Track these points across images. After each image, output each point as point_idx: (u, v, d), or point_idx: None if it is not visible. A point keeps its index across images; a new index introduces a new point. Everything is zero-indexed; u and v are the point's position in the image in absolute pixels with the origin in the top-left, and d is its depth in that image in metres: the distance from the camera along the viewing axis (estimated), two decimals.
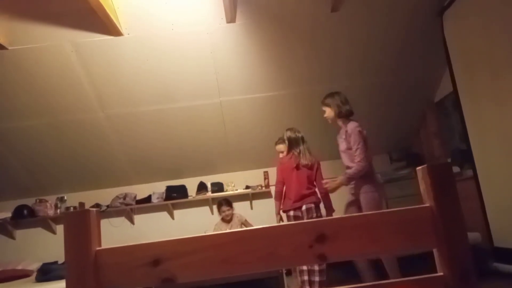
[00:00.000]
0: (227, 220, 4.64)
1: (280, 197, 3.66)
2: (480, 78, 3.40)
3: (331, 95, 3.29)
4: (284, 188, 3.67)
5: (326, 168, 5.38)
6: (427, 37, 4.14)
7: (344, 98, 3.25)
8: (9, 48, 3.65)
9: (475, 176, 3.55)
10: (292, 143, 3.66)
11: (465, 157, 3.85)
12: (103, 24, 3.52)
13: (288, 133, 3.73)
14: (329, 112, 3.30)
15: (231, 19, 3.73)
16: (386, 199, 5.02)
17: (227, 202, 4.72)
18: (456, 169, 4.08)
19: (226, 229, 4.56)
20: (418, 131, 5.23)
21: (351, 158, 3.11)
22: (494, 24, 3.16)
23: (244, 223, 4.69)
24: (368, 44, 4.15)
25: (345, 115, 3.18)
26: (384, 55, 4.27)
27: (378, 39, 4.11)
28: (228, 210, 4.66)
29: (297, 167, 3.58)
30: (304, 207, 3.50)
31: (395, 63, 4.36)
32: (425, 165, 1.02)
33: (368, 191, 3.07)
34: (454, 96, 3.84)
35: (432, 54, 4.26)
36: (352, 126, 3.10)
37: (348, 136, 3.10)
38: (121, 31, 3.67)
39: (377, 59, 4.30)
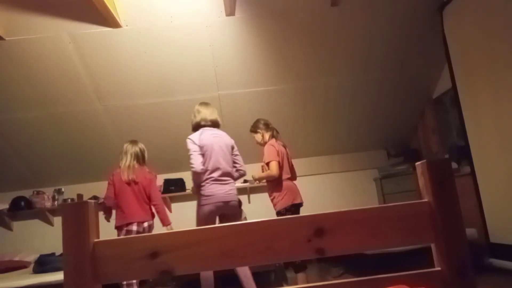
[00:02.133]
0: None
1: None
2: (479, 74, 3.39)
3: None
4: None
5: (324, 163, 5.42)
6: (427, 33, 4.13)
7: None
8: (7, 38, 3.63)
9: (472, 172, 3.56)
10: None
11: (463, 153, 3.86)
12: (102, 16, 3.49)
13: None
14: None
15: (230, 12, 3.71)
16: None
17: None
18: (453, 165, 4.09)
19: None
20: (416, 127, 5.24)
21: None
22: (494, 20, 3.15)
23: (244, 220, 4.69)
24: (368, 39, 4.13)
25: None
26: (383, 51, 4.26)
27: (378, 34, 4.10)
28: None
29: None
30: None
31: (394, 59, 4.35)
32: (425, 161, 1.02)
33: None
34: (453, 92, 3.84)
35: (431, 50, 4.26)
36: None
37: None
38: (120, 23, 3.65)
39: (377, 55, 4.29)
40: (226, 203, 3.02)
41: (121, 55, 3.97)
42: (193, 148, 3.01)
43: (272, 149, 3.34)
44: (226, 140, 3.19)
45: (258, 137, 3.54)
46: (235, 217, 3.18)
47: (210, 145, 3.04)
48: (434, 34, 4.04)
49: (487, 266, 3.46)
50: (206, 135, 3.08)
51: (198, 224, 2.99)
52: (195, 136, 3.07)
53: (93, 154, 4.88)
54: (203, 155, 3.01)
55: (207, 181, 3.01)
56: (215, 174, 3.02)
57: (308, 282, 2.86)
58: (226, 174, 3.08)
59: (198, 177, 3.00)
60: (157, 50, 3.96)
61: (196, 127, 3.18)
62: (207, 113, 3.20)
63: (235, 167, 3.21)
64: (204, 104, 3.30)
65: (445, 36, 3.83)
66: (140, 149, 3.51)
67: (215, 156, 3.03)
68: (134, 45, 3.89)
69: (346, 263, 4.15)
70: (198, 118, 3.19)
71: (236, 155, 3.25)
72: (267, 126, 3.53)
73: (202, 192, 3.00)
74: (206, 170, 3.00)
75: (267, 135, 3.50)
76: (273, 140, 3.44)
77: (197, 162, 2.97)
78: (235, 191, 3.13)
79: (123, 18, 3.66)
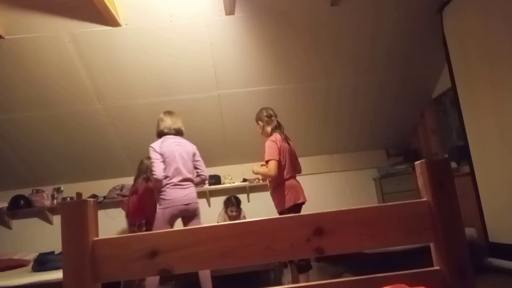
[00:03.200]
0: (232, 217, 4.59)
1: None
2: (479, 74, 3.40)
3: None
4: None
5: (324, 162, 5.43)
6: (426, 33, 4.13)
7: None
8: (6, 37, 3.62)
9: (471, 172, 3.56)
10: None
11: (462, 153, 3.86)
12: (101, 15, 3.49)
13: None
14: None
15: (230, 11, 3.71)
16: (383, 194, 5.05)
17: (237, 202, 4.64)
18: (453, 165, 4.09)
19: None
20: (415, 127, 5.25)
21: None
22: (494, 20, 3.15)
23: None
24: (368, 39, 4.14)
25: None
26: (383, 51, 4.26)
27: (378, 34, 4.10)
28: (236, 211, 4.59)
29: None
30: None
31: (395, 59, 4.35)
32: (424, 160, 1.02)
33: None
34: (453, 92, 3.84)
35: (431, 50, 4.26)
36: None
37: None
38: (119, 21, 3.64)
39: (377, 55, 4.29)
40: (186, 205, 3.17)
41: (121, 55, 3.96)
42: (154, 156, 3.17)
43: (273, 146, 3.16)
44: (187, 148, 3.35)
45: (258, 128, 3.41)
46: (197, 218, 3.27)
47: (171, 152, 3.20)
48: (434, 34, 4.04)
49: (486, 265, 3.46)
50: (168, 143, 3.25)
51: (158, 227, 3.08)
52: (157, 144, 3.23)
53: (92, 153, 4.88)
54: (164, 162, 3.17)
55: (167, 186, 3.15)
56: (175, 180, 3.18)
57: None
58: (186, 179, 3.24)
59: (160, 183, 3.15)
60: (156, 50, 3.96)
61: (160, 135, 3.34)
62: (170, 122, 3.36)
63: (196, 172, 3.38)
64: (168, 113, 3.45)
65: (445, 36, 3.83)
66: None
67: (176, 163, 3.19)
68: (134, 44, 3.89)
69: (346, 262, 4.15)
70: (161, 127, 3.35)
71: (198, 161, 3.40)
72: (270, 118, 3.33)
73: (163, 197, 3.15)
74: (166, 176, 3.16)
75: (268, 128, 3.32)
76: (276, 135, 3.23)
77: (158, 169, 3.12)
78: (195, 194, 3.28)
79: (123, 17, 3.66)
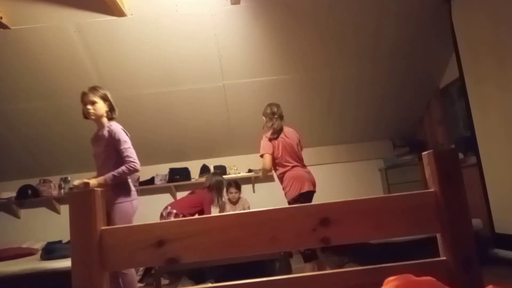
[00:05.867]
0: (233, 201, 4.69)
1: None
2: (487, 65, 3.35)
3: None
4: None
5: (330, 153, 5.42)
6: (434, 23, 4.07)
7: None
8: (12, 27, 3.62)
9: (478, 163, 3.54)
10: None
11: (469, 144, 3.83)
12: (106, 5, 3.47)
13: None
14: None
15: (235, 0, 3.68)
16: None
17: (236, 184, 4.78)
18: (459, 155, 4.06)
19: (230, 210, 4.61)
20: (422, 117, 5.21)
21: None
22: (502, 9, 3.10)
23: (247, 210, 4.73)
24: (375, 30, 4.08)
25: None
26: (389, 41, 4.21)
27: (385, 24, 4.04)
28: (236, 193, 4.74)
29: None
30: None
31: (401, 49, 4.30)
32: (431, 150, 1.01)
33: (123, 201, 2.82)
34: (460, 82, 3.79)
35: (438, 39, 4.20)
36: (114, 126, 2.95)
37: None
38: (124, 11, 3.63)
39: (383, 45, 4.24)
40: None
41: (126, 45, 3.95)
42: (129, 141, 2.92)
43: (263, 142, 3.36)
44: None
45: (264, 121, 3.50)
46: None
47: None
48: (441, 23, 3.98)
49: (492, 256, 3.46)
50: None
51: (131, 220, 2.84)
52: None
53: None
54: None
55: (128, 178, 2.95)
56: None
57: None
58: None
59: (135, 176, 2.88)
60: (161, 40, 3.94)
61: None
62: None
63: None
64: None
65: (453, 25, 3.77)
66: None
67: None
68: (139, 34, 3.87)
69: (351, 252, 4.16)
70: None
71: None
72: (272, 115, 3.41)
73: (128, 187, 2.90)
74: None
75: (269, 124, 3.40)
76: (269, 132, 3.37)
77: (137, 158, 2.87)
78: None
79: (128, 7, 3.64)
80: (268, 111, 3.46)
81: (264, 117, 3.49)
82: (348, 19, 3.96)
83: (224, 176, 5.12)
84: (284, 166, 3.29)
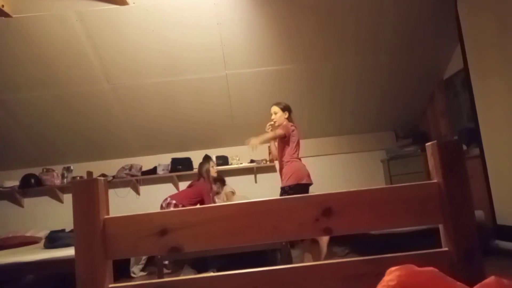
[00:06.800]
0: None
1: None
2: (492, 56, 3.32)
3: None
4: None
5: (332, 144, 5.41)
6: (440, 13, 4.02)
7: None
8: (13, 16, 3.60)
9: (481, 154, 3.53)
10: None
11: (472, 136, 3.81)
12: None
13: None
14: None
15: None
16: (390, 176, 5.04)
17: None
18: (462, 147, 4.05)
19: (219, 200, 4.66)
20: (425, 109, 5.18)
21: None
22: (509, 2, 3.06)
23: (227, 194, 4.77)
24: (379, 20, 4.04)
25: None
26: (392, 31, 4.16)
27: (389, 14, 4.00)
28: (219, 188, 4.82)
29: None
30: None
31: (404, 39, 4.25)
32: (435, 141, 1.01)
33: None
34: (464, 73, 3.76)
35: (444, 30, 4.15)
36: None
37: None
38: (127, 0, 3.60)
39: (385, 35, 4.19)
40: None
41: (128, 34, 3.93)
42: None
43: (296, 130, 3.50)
44: None
45: (277, 116, 3.58)
46: None
47: None
48: (446, 13, 3.93)
49: (494, 247, 3.47)
50: None
51: None
52: None
53: (100, 132, 4.91)
54: None
55: None
56: None
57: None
58: None
59: None
60: (164, 29, 3.92)
61: None
62: None
63: None
64: None
65: (458, 15, 3.73)
66: None
67: None
68: (141, 23, 3.85)
69: (352, 243, 4.18)
70: None
71: None
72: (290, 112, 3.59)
73: None
74: None
75: (293, 119, 3.59)
76: (291, 124, 3.53)
77: None
78: None
79: None
80: (291, 108, 3.58)
81: (287, 112, 3.54)
82: (351, 9, 3.92)
83: (226, 166, 5.15)
84: (295, 157, 3.45)
